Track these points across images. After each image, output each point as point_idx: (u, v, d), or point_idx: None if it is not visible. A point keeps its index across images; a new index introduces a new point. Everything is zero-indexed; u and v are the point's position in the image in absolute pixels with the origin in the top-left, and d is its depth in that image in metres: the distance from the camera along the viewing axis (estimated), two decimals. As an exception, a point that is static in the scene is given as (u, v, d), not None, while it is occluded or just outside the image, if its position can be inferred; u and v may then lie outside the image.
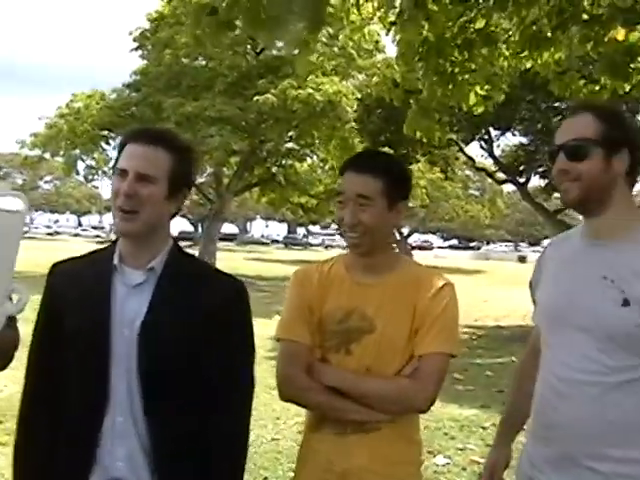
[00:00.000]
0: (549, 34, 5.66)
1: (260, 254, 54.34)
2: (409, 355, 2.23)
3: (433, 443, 6.20)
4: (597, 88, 6.03)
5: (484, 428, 6.57)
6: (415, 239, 79.60)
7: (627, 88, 5.78)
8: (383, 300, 2.25)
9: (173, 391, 2.01)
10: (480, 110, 5.93)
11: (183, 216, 78.08)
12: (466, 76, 5.83)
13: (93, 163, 26.83)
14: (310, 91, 17.97)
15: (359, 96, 18.52)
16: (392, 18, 5.38)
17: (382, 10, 5.69)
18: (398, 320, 2.24)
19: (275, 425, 6.60)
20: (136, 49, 23.76)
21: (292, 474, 2.47)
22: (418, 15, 4.82)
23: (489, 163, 18.23)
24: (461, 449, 6.13)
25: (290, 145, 26.51)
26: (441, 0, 5.00)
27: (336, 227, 2.43)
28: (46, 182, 75.23)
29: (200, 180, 31.65)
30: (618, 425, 1.92)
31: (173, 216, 2.14)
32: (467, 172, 42.90)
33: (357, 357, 2.23)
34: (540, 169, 15.76)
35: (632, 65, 5.56)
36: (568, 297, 2.05)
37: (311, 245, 74.50)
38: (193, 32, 4.45)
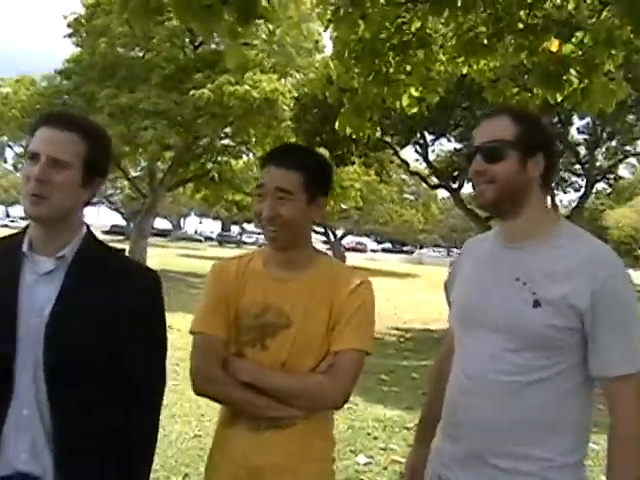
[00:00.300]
0: (485, 41, 5.74)
1: (193, 251, 53.81)
2: (325, 351, 2.20)
3: (356, 442, 6.22)
4: (529, 96, 6.13)
5: (407, 429, 6.58)
6: (349, 241, 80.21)
7: (559, 98, 5.88)
8: (300, 296, 2.22)
9: (82, 383, 1.93)
10: (413, 111, 5.96)
11: (116, 210, 76.97)
12: (402, 77, 5.86)
13: (22, 151, 26.11)
14: (247, 88, 17.84)
15: (296, 95, 18.47)
16: (329, 15, 5.36)
17: (320, 7, 5.68)
18: (314, 316, 2.21)
19: (199, 422, 6.50)
20: (70, 35, 23.16)
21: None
22: (354, 13, 4.80)
23: (423, 167, 18.47)
24: (383, 449, 6.15)
25: (226, 142, 26.35)
26: (378, 0, 5.00)
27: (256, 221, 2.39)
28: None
29: (134, 174, 31.19)
30: (524, 424, 1.96)
31: (86, 204, 2.08)
32: (403, 176, 43.40)
33: (273, 352, 2.20)
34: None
35: (565, 76, 5.67)
36: (481, 298, 2.07)
37: (245, 243, 74.09)
38: (121, 15, 4.34)
